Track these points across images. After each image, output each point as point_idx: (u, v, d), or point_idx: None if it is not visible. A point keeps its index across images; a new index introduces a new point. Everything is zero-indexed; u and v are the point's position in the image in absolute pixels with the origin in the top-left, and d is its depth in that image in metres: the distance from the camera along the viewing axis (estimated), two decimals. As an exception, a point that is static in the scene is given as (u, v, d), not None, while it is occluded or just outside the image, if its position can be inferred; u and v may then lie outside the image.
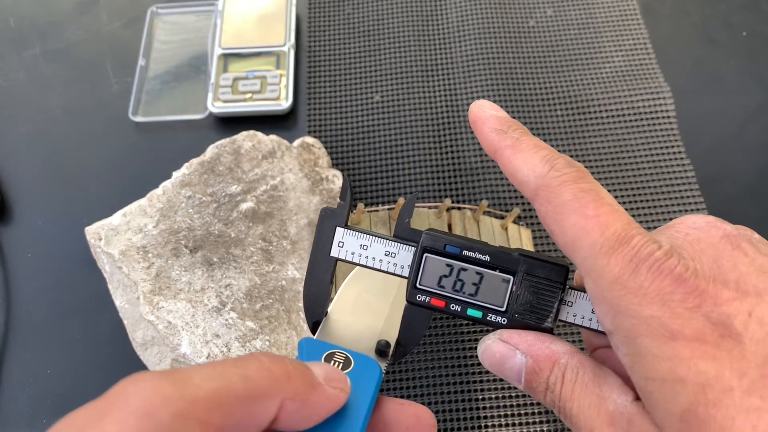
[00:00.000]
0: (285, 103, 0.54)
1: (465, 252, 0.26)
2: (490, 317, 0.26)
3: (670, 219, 0.49)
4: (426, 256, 0.26)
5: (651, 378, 0.20)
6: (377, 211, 0.44)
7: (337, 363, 0.24)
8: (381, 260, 0.27)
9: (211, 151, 0.47)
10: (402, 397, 0.43)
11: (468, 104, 0.54)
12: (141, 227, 0.43)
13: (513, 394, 0.43)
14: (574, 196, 0.22)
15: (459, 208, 0.45)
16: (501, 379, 0.43)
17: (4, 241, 0.50)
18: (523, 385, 0.25)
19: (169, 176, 0.46)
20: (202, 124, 0.55)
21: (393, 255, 0.27)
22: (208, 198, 0.45)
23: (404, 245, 0.26)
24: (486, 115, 0.26)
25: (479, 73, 0.55)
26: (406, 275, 0.26)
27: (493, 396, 0.43)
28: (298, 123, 0.55)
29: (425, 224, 0.43)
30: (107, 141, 0.54)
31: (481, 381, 0.43)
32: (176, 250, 0.43)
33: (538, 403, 0.42)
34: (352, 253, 0.27)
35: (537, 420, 0.42)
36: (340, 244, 0.27)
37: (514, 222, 0.48)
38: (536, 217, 0.49)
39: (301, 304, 0.42)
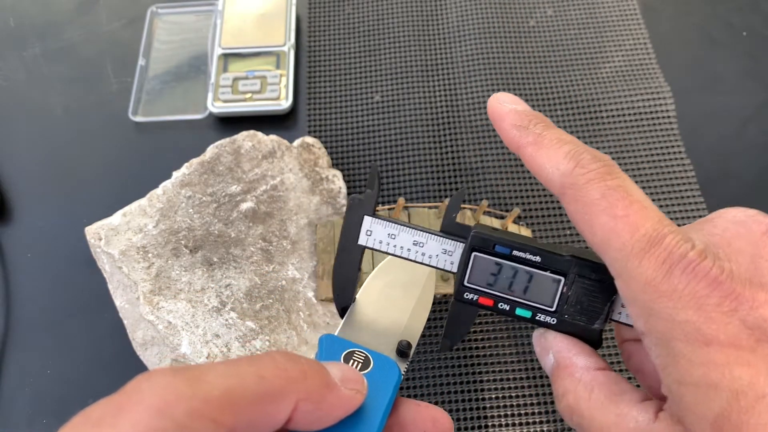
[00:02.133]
0: (285, 103, 0.54)
1: (515, 252, 0.25)
2: (539, 317, 0.25)
3: (670, 219, 0.49)
4: (475, 255, 0.26)
5: (684, 382, 0.20)
6: (377, 210, 0.44)
7: (356, 362, 0.24)
8: (409, 249, 0.27)
9: (211, 151, 0.47)
10: (403, 395, 0.43)
11: (468, 104, 0.54)
12: (141, 227, 0.43)
13: (513, 394, 0.43)
14: (602, 195, 0.21)
15: (459, 208, 0.45)
16: (501, 379, 0.43)
17: (4, 241, 0.50)
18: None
19: (169, 176, 0.46)
20: (202, 124, 0.55)
21: (421, 245, 0.27)
22: (208, 198, 0.45)
23: (433, 235, 0.26)
24: (505, 111, 0.25)
25: (479, 73, 0.55)
26: (435, 265, 0.26)
27: (494, 396, 0.43)
28: (298, 123, 0.55)
29: (425, 224, 0.43)
30: (107, 141, 0.54)
31: (482, 381, 0.43)
32: (176, 250, 0.43)
33: (539, 403, 0.42)
34: (380, 242, 0.27)
35: (537, 420, 0.42)
36: (368, 233, 0.27)
37: (514, 222, 0.48)
38: (536, 217, 0.49)
39: (301, 304, 0.42)
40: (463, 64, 0.56)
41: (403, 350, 0.27)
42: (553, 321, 0.25)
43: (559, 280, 0.25)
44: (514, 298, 0.26)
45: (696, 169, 0.51)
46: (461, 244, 0.26)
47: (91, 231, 0.44)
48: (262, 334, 0.40)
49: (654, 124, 0.53)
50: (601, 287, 0.25)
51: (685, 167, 0.51)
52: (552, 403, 0.42)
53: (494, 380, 0.43)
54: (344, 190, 0.47)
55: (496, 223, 0.45)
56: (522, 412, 0.42)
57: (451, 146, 0.52)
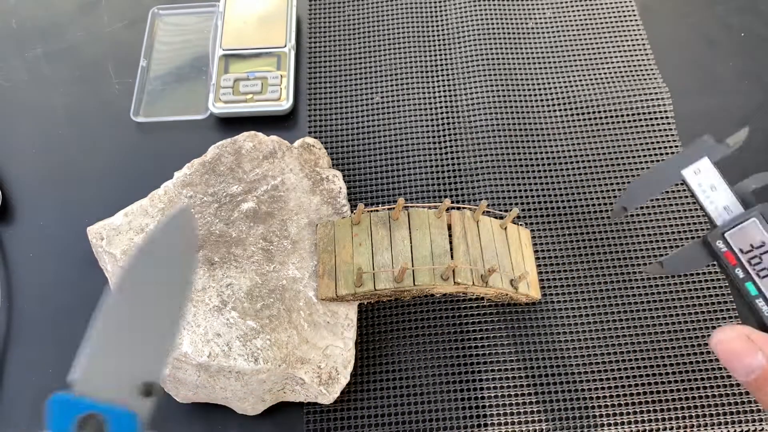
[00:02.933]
0: (285, 104, 0.54)
1: None
2: (759, 302, 0.27)
3: (667, 220, 0.49)
4: (753, 220, 0.28)
5: None
6: (377, 211, 0.44)
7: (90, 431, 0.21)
8: (704, 191, 0.29)
9: (212, 151, 0.47)
10: (401, 395, 0.43)
11: (468, 105, 0.54)
12: (143, 227, 0.44)
13: (512, 393, 0.43)
14: None
15: (458, 208, 0.45)
16: (500, 378, 0.43)
17: (5, 240, 0.50)
18: (750, 382, 0.26)
19: (170, 176, 0.47)
20: (204, 125, 0.55)
21: (714, 190, 0.29)
22: (210, 198, 0.45)
23: (728, 188, 0.29)
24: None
25: (479, 74, 0.55)
26: (709, 211, 0.29)
27: (493, 395, 0.43)
28: (299, 123, 0.55)
29: (425, 224, 0.43)
30: (109, 141, 0.55)
31: (480, 380, 0.43)
32: (177, 249, 0.43)
33: (538, 402, 0.43)
34: (699, 185, 0.30)
35: (537, 419, 0.42)
36: (696, 172, 0.30)
37: (513, 222, 0.48)
38: (535, 217, 0.49)
39: (301, 303, 0.42)
40: (463, 64, 0.56)
41: (147, 389, 0.24)
42: None
43: None
44: (753, 273, 0.27)
45: (694, 169, 0.51)
46: (741, 208, 0.29)
47: (93, 231, 0.44)
48: (263, 333, 0.40)
49: (652, 125, 0.53)
50: None
51: (683, 167, 0.51)
52: (551, 402, 0.43)
53: (493, 379, 0.44)
54: (344, 191, 0.47)
55: (495, 224, 0.45)
56: (522, 410, 0.43)
57: (451, 146, 0.52)
